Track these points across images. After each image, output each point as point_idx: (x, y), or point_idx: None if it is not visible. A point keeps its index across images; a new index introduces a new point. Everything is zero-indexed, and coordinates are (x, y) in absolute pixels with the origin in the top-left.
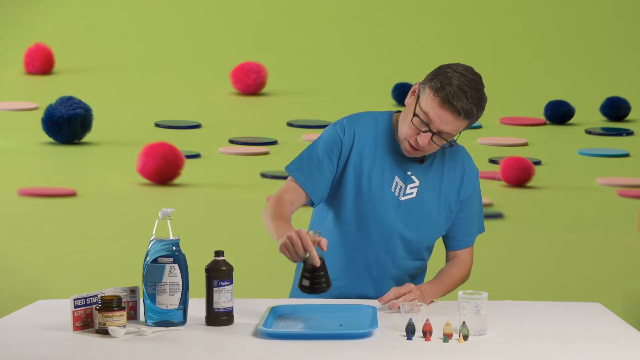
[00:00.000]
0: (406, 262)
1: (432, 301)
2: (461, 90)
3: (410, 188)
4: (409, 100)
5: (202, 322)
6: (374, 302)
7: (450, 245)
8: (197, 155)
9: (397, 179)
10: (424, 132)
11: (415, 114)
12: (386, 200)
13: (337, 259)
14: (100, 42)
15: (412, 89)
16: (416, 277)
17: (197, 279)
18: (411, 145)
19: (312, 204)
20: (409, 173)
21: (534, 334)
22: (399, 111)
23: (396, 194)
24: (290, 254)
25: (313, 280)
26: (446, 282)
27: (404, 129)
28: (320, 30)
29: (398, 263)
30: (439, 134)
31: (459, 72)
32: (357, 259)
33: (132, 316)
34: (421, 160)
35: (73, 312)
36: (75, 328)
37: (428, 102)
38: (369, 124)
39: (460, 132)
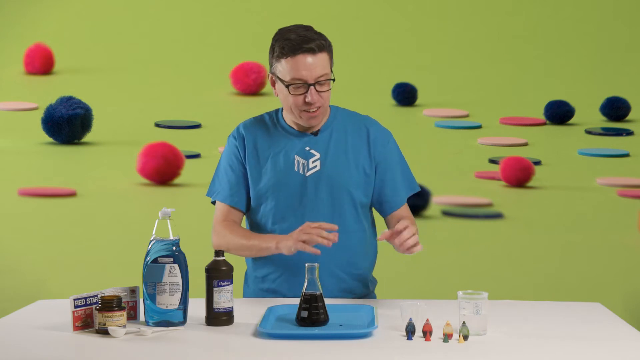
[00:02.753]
0: (339, 237)
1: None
2: (298, 35)
3: (313, 162)
4: (276, 89)
5: (202, 322)
6: (374, 302)
7: (384, 211)
8: (197, 155)
9: (297, 157)
10: (306, 92)
11: (287, 84)
12: (292, 181)
13: (271, 265)
14: (100, 42)
15: (270, 81)
16: (358, 253)
17: (197, 279)
18: (307, 111)
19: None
20: (307, 148)
21: (534, 334)
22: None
23: (300, 171)
24: (311, 239)
25: (311, 311)
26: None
27: (291, 105)
28: (320, 30)
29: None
30: (317, 81)
31: (285, 30)
32: (291, 256)
33: (132, 316)
34: (315, 133)
35: (73, 312)
36: (75, 328)
37: (287, 68)
38: (255, 121)
39: (331, 69)
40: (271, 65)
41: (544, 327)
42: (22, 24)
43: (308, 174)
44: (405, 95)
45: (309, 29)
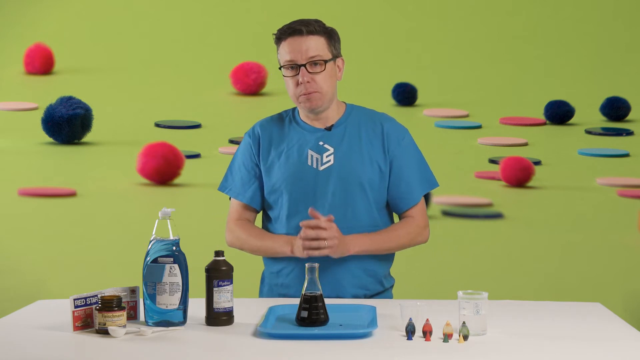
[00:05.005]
0: (350, 232)
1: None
2: (292, 22)
3: (327, 156)
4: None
5: (202, 322)
6: (374, 302)
7: (397, 208)
8: (197, 155)
9: (310, 152)
10: (297, 74)
11: (282, 67)
12: (305, 175)
13: (285, 260)
14: (100, 42)
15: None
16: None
17: (197, 279)
18: (304, 94)
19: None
20: (321, 143)
21: (534, 334)
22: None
23: (314, 166)
24: (311, 245)
25: (311, 311)
26: (382, 234)
27: (290, 91)
28: None
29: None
30: (308, 62)
31: None
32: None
33: (132, 316)
34: (329, 128)
35: (73, 312)
36: (75, 328)
37: (281, 52)
38: (271, 119)
39: (334, 55)
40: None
41: (544, 327)
42: (22, 24)
43: (321, 168)
44: (405, 95)
45: (306, 19)
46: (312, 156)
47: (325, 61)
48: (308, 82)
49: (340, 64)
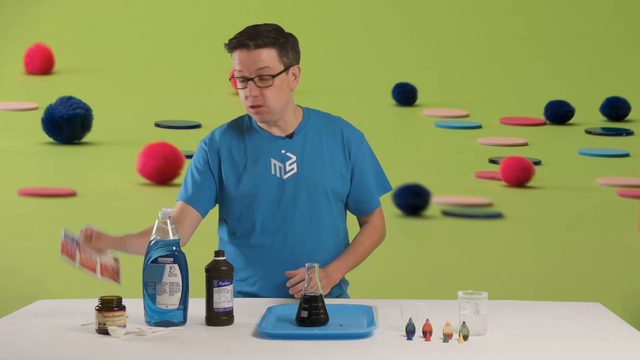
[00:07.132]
0: (315, 238)
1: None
2: (242, 32)
3: (290, 165)
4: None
5: (202, 322)
6: (374, 302)
7: (361, 212)
8: None
9: (273, 161)
10: (246, 86)
11: (232, 78)
12: (270, 185)
13: (251, 268)
14: (100, 42)
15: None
16: (332, 253)
17: (197, 279)
18: (252, 106)
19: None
20: (283, 151)
21: (534, 334)
22: None
23: (277, 175)
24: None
25: (311, 311)
26: (354, 253)
27: (242, 100)
28: (320, 30)
29: (305, 240)
30: (256, 76)
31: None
32: (271, 259)
33: (115, 279)
34: (290, 135)
35: (62, 241)
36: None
37: (233, 63)
38: (229, 126)
39: (287, 65)
40: None
41: (544, 327)
42: (22, 24)
43: (285, 176)
44: (405, 95)
45: (260, 26)
46: (275, 165)
47: (273, 75)
48: (256, 96)
49: (297, 72)
